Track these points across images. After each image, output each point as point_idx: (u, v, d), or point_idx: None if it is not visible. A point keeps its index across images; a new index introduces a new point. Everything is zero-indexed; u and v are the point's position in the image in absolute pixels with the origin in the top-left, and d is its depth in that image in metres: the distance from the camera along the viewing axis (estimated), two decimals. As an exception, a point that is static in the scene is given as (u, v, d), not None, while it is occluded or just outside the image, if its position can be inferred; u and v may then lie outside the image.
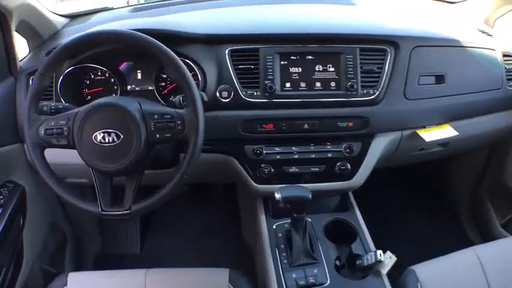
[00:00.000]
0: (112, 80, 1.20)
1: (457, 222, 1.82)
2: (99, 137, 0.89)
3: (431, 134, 1.23)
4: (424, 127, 1.24)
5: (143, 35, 0.92)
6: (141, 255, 1.76)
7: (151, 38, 0.92)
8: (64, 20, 1.40)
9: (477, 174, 1.71)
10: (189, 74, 0.93)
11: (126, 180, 0.95)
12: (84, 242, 1.68)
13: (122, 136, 0.89)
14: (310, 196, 1.00)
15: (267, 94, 1.11)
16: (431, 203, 1.91)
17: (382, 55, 1.16)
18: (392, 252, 1.04)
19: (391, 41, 1.16)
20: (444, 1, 1.68)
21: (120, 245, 1.77)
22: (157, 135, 0.91)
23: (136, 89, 1.20)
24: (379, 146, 1.20)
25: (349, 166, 1.18)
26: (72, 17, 1.45)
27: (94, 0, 3.31)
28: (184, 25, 1.17)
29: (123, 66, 1.21)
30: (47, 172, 0.94)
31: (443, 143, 1.31)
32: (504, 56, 1.32)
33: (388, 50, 1.16)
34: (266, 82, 1.11)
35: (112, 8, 1.57)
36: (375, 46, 1.16)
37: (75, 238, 1.62)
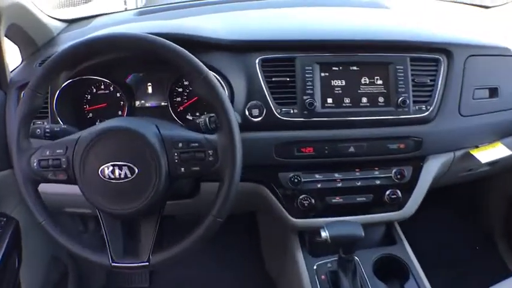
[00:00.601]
0: (117, 94, 1.06)
1: (491, 245, 1.71)
2: (107, 171, 0.73)
3: (486, 154, 1.14)
4: (477, 146, 1.13)
5: (164, 40, 0.76)
6: None
7: (174, 45, 0.76)
8: (61, 25, 1.28)
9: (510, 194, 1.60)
10: (222, 91, 0.77)
11: (142, 223, 0.80)
12: (87, 275, 1.55)
13: (136, 170, 0.74)
14: (363, 234, 0.87)
15: (305, 112, 0.98)
16: (463, 225, 1.80)
17: (435, 65, 1.05)
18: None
19: (444, 49, 1.05)
20: (478, 5, 1.58)
21: (127, 277, 1.61)
22: (182, 169, 0.76)
23: (147, 105, 1.06)
24: (432, 169, 1.09)
25: (399, 194, 1.05)
26: (71, 21, 1.33)
27: (93, 7, 3.19)
28: (206, 30, 1.02)
29: (130, 78, 1.06)
30: (42, 213, 0.79)
31: (493, 162, 1.19)
32: None
33: (441, 59, 1.05)
34: (305, 98, 0.98)
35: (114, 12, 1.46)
36: (426, 55, 1.04)
37: (78, 271, 1.50)
